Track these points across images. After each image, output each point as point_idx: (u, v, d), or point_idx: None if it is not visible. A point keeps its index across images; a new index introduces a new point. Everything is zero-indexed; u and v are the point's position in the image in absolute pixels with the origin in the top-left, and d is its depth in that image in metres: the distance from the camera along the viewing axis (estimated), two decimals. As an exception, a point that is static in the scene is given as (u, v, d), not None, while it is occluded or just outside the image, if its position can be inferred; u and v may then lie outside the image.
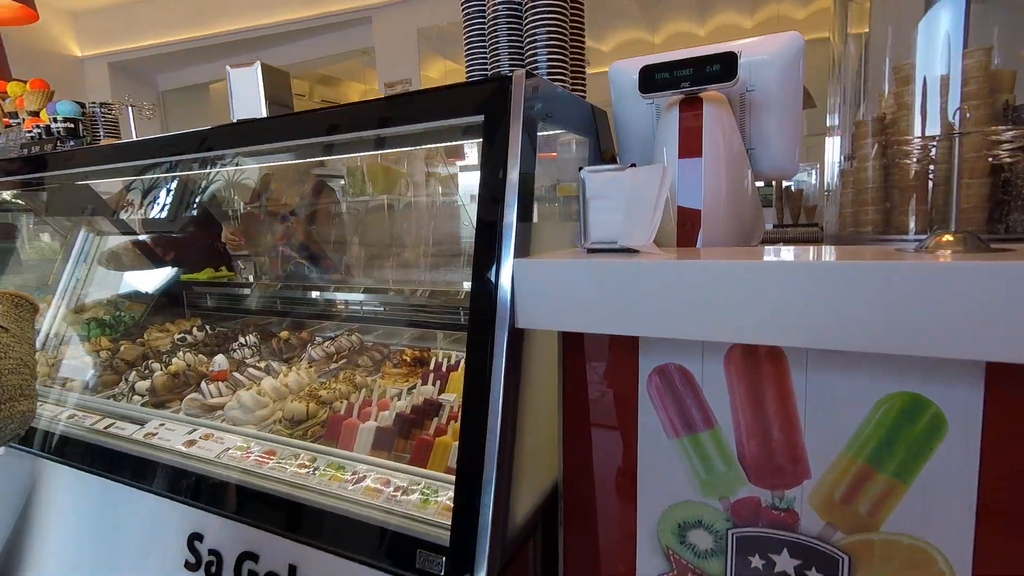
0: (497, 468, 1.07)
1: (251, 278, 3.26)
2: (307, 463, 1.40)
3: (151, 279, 3.37)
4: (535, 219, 1.18)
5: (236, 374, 1.94)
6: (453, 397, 1.94)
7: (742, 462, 1.10)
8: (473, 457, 1.08)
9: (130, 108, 2.17)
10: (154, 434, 1.62)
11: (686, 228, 1.27)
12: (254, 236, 3.48)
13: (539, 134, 1.47)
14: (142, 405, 1.91)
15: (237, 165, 2.46)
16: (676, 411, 1.15)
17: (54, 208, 3.35)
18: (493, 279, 1.08)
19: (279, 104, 1.59)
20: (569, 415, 1.25)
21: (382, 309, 2.74)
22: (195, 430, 1.61)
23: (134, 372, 2.06)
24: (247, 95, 1.55)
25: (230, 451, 1.48)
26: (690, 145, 1.31)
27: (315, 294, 2.88)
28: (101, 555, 1.52)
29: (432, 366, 2.05)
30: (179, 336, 2.59)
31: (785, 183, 4.26)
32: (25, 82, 2.60)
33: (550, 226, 1.31)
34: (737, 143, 1.35)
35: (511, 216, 1.09)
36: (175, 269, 3.30)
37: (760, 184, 1.53)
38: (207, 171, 2.58)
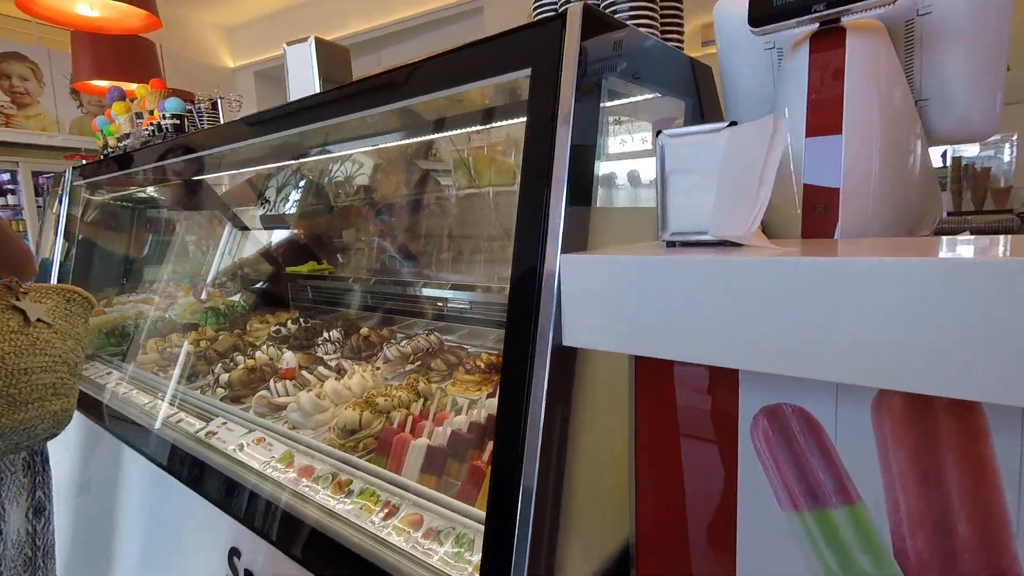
0: (534, 525, 0.81)
1: (349, 272, 3.28)
2: (344, 483, 1.23)
3: (262, 271, 3.53)
4: (596, 203, 0.89)
5: (304, 372, 1.86)
6: (527, 412, 1.71)
7: (902, 561, 0.74)
8: (503, 510, 0.83)
9: (219, 100, 2.19)
10: (214, 433, 1.57)
11: (816, 213, 0.91)
12: (353, 229, 3.50)
13: (623, 101, 1.17)
14: (221, 399, 1.91)
15: (326, 153, 2.41)
16: (794, 473, 0.81)
17: (182, 203, 3.63)
18: (532, 281, 0.82)
19: (335, 82, 1.45)
20: (643, 464, 0.95)
21: (467, 307, 2.58)
22: (250, 432, 1.53)
23: (220, 364, 2.07)
24: (302, 73, 1.43)
25: (274, 461, 1.36)
26: (826, 99, 0.94)
27: (404, 289, 2.80)
28: (151, 549, 1.50)
29: (508, 374, 1.83)
30: (274, 328, 2.63)
31: (965, 159, 3.43)
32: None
33: (624, 215, 1.01)
34: (901, 92, 0.96)
35: (558, 198, 0.82)
36: (283, 261, 3.42)
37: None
38: (296, 162, 2.57)
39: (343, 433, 1.50)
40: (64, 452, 2.12)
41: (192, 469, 1.45)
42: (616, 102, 1.06)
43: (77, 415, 1.56)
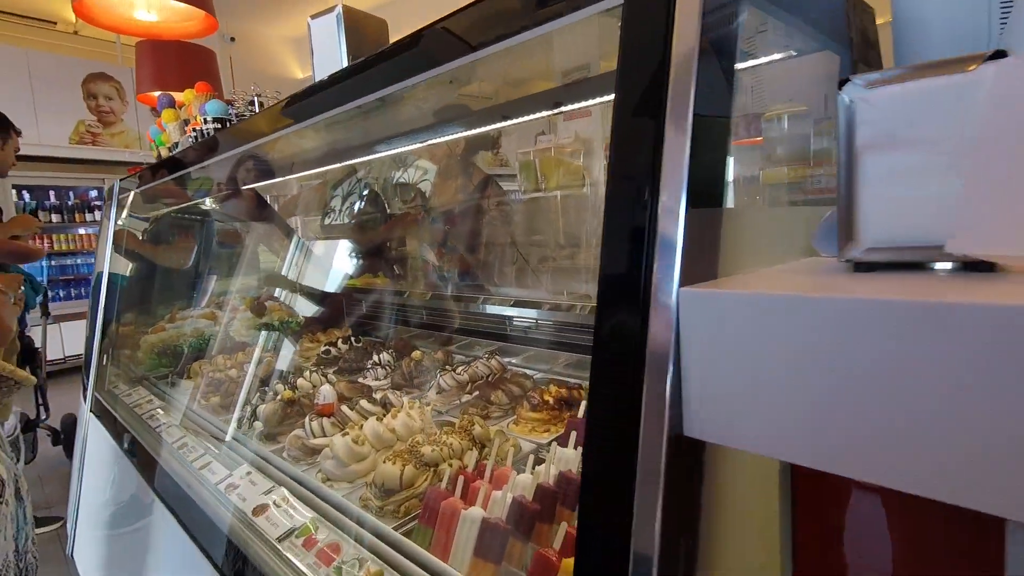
0: None
1: (405, 285, 3.06)
2: (371, 574, 0.95)
3: (318, 284, 3.38)
4: (728, 203, 0.56)
5: (345, 408, 1.61)
6: (606, 465, 1.38)
7: None
8: None
9: (256, 97, 2.01)
10: (236, 487, 1.34)
11: None
12: (409, 238, 3.29)
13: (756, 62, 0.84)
14: (257, 436, 1.69)
15: (374, 151, 2.19)
16: None
17: (242, 213, 3.54)
18: (633, 332, 0.50)
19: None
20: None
21: (533, 325, 2.28)
22: (272, 489, 1.29)
23: (259, 394, 1.87)
24: (329, 49, 1.18)
25: (295, 533, 1.11)
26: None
27: (462, 305, 2.54)
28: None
29: (581, 412, 1.50)
30: (323, 348, 2.43)
31: None
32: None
33: (771, 221, 0.67)
34: None
35: (674, 195, 0.49)
36: (339, 274, 3.25)
37: None
38: (346, 163, 2.36)
39: (381, 493, 1.23)
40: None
41: (208, 533, 1.23)
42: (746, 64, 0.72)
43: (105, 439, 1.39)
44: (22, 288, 1.55)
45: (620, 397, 0.50)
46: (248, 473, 1.38)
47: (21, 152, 6.09)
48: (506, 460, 1.25)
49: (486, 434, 1.42)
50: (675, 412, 0.48)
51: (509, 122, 1.47)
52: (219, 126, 2.14)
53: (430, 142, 1.86)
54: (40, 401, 3.80)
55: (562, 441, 1.44)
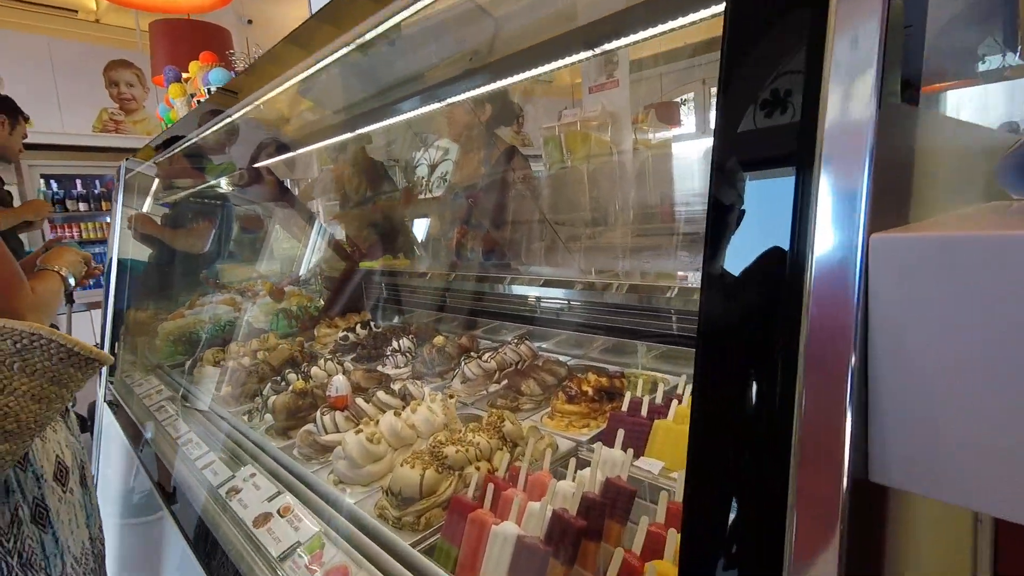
0: None
1: (426, 267, 2.88)
2: (386, 610, 0.79)
3: (336, 267, 3.24)
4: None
5: (360, 401, 1.45)
6: (659, 467, 1.19)
7: None
8: None
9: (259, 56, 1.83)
10: (237, 491, 1.19)
11: None
12: (430, 216, 3.11)
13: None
14: (267, 430, 1.55)
15: (390, 113, 2.00)
16: None
17: (258, 194, 3.41)
18: (777, 314, 0.30)
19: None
20: None
21: (564, 306, 2.08)
22: (277, 495, 1.13)
23: (270, 384, 1.73)
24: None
25: (298, 550, 0.95)
26: None
27: (488, 286, 2.35)
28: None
29: (626, 405, 1.31)
30: (341, 335, 2.28)
31: None
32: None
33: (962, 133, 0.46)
34: None
35: (862, 94, 0.28)
36: (357, 256, 3.09)
37: None
38: (357, 132, 2.18)
39: (399, 501, 1.06)
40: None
41: (203, 541, 1.08)
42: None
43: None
44: (91, 264, 1.49)
45: (754, 423, 0.31)
46: (252, 475, 1.23)
47: (46, 142, 6.09)
48: (542, 463, 1.07)
49: (518, 432, 1.24)
50: (858, 443, 0.28)
51: (547, 67, 1.26)
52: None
53: (448, 101, 1.66)
54: (65, 389, 3.75)
55: (607, 440, 1.25)
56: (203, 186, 3.55)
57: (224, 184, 3.54)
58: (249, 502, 1.13)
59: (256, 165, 3.01)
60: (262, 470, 1.25)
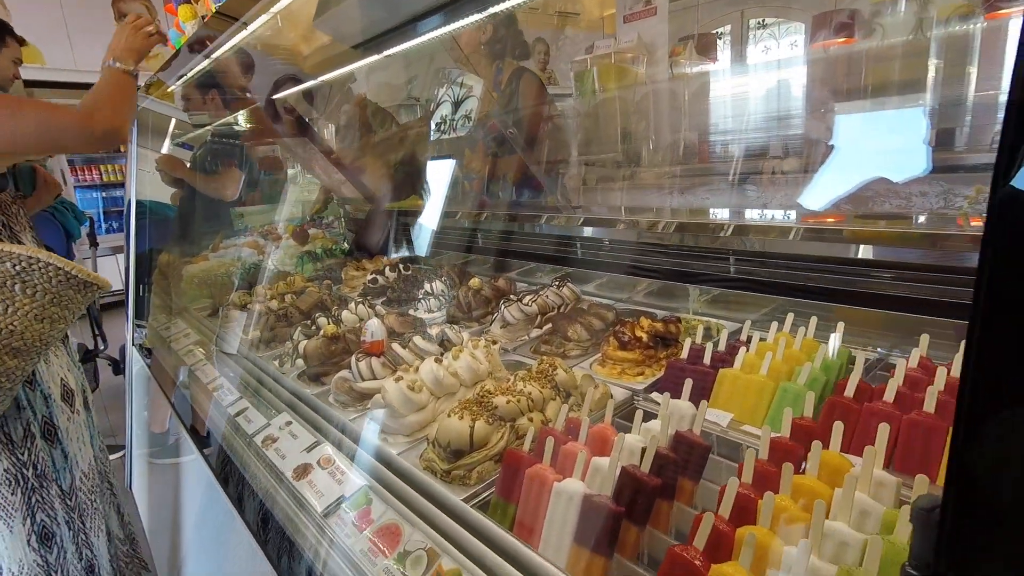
0: None
1: (456, 207, 2.75)
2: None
3: (363, 208, 3.12)
4: None
5: (396, 347, 1.36)
6: (727, 419, 1.08)
7: None
8: None
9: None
10: (273, 440, 1.12)
11: None
12: (460, 154, 2.95)
13: None
14: (299, 376, 1.48)
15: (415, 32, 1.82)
16: None
17: (278, 131, 3.26)
18: None
19: None
20: None
21: (605, 246, 1.94)
22: (316, 445, 1.06)
23: (300, 328, 1.65)
24: None
25: (343, 506, 0.87)
26: None
27: (519, 226, 2.21)
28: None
29: (687, 353, 1.20)
30: (370, 278, 2.19)
31: None
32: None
33: None
34: None
35: None
36: (383, 196, 2.96)
37: None
38: (376, 57, 2.01)
39: (447, 454, 0.98)
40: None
41: (240, 492, 1.02)
42: None
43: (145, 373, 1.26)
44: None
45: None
46: (288, 423, 1.16)
47: (59, 79, 5.92)
48: (604, 414, 0.97)
49: (571, 380, 1.14)
50: None
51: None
52: (236, 14, 1.81)
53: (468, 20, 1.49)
54: (96, 332, 3.78)
55: (665, 389, 1.15)
56: (220, 123, 3.41)
57: (243, 121, 3.40)
58: (287, 452, 1.06)
59: (275, 97, 2.86)
60: (298, 418, 1.19)
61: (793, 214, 1.48)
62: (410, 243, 2.79)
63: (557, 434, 0.93)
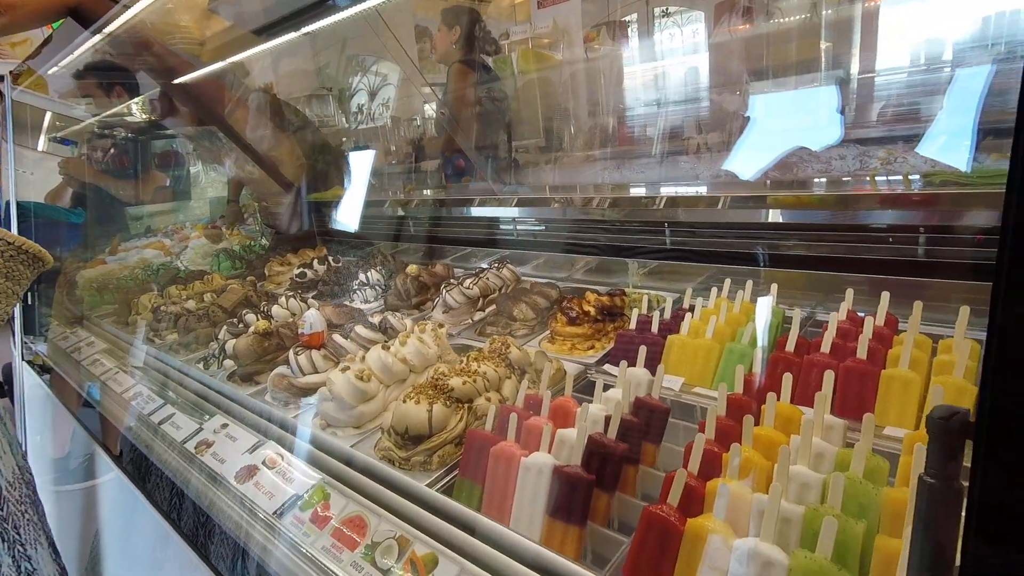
0: None
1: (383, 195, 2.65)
2: (421, 565, 0.67)
3: (283, 202, 2.94)
4: None
5: (338, 337, 1.29)
6: (679, 383, 1.11)
7: None
8: None
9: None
10: (209, 444, 1.03)
11: None
12: (382, 142, 2.85)
13: None
14: (228, 378, 1.37)
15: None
16: None
17: (183, 119, 3.00)
18: None
19: None
20: None
21: (543, 228, 1.95)
22: (259, 446, 0.98)
23: (226, 327, 1.53)
24: None
25: (298, 504, 0.81)
26: None
27: (451, 211, 2.17)
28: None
29: (634, 323, 1.22)
30: (297, 271, 2.07)
31: None
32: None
33: None
34: None
35: None
36: (304, 188, 2.80)
37: None
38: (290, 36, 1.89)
39: (405, 440, 0.93)
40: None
41: (174, 505, 0.93)
42: None
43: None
44: None
45: None
46: (224, 426, 1.06)
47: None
48: (564, 388, 0.97)
49: (525, 358, 1.13)
50: None
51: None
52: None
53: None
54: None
55: (616, 360, 1.16)
56: (109, 115, 3.09)
57: (137, 113, 3.10)
58: (226, 455, 0.97)
59: (176, 84, 2.62)
60: (234, 420, 1.09)
61: (719, 185, 1.54)
62: (336, 234, 2.67)
63: (519, 411, 0.92)
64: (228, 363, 1.45)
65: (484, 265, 1.92)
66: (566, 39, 3.28)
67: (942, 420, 0.30)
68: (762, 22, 2.15)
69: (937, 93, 1.49)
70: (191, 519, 0.94)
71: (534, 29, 3.24)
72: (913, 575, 0.33)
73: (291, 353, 1.24)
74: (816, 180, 1.32)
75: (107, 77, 2.63)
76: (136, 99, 2.88)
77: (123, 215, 3.58)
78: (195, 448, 1.02)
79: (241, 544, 0.80)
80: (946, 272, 1.16)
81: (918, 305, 0.98)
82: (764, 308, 1.16)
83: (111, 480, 1.46)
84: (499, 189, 2.12)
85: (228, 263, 2.54)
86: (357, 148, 3.29)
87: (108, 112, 2.99)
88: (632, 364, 1.03)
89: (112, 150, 3.22)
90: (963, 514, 0.30)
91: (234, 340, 1.43)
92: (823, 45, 1.80)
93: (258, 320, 1.46)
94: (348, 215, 2.57)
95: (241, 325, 1.54)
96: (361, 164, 2.88)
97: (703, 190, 1.51)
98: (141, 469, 1.10)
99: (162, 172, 4.01)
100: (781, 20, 2.07)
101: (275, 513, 0.81)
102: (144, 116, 3.14)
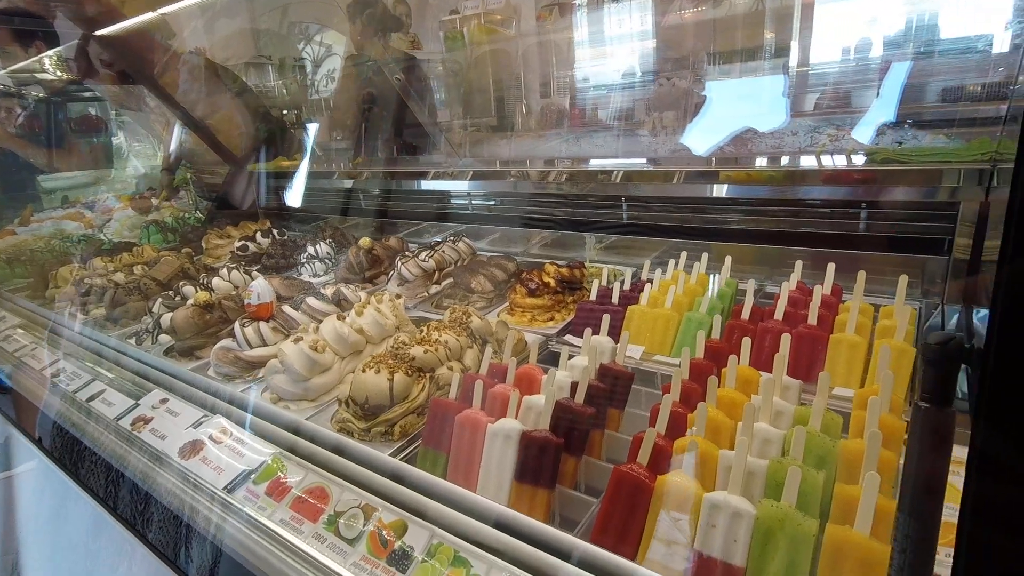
0: None
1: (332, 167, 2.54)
2: (389, 531, 0.65)
3: (219, 172, 2.77)
4: None
5: (288, 309, 1.23)
6: (639, 351, 1.12)
7: None
8: None
9: None
10: (147, 420, 0.96)
11: None
12: (335, 111, 2.73)
13: None
14: (165, 353, 1.28)
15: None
16: None
17: (113, 92, 2.77)
18: None
19: None
20: None
21: (497, 203, 1.92)
22: (204, 420, 0.92)
23: (160, 301, 1.43)
24: None
25: (252, 478, 0.77)
26: None
27: (401, 184, 2.10)
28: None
29: (595, 294, 1.22)
30: (239, 244, 1.96)
31: None
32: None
33: None
34: None
35: None
36: (245, 158, 2.64)
37: None
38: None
39: (365, 411, 0.90)
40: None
41: (113, 489, 0.86)
42: None
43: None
44: None
45: None
46: (164, 401, 0.99)
47: None
48: (528, 357, 0.96)
49: (487, 327, 1.11)
50: None
51: None
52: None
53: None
54: None
55: (577, 331, 1.16)
56: (16, 69, 2.80)
57: (53, 69, 2.82)
58: (168, 431, 0.90)
59: (92, 43, 2.40)
60: (174, 396, 1.02)
61: (672, 161, 1.56)
62: (280, 207, 2.54)
63: (484, 378, 0.90)
64: (164, 337, 1.36)
65: (438, 239, 1.89)
66: (518, 16, 3.25)
67: (939, 345, 0.30)
68: (711, 7, 2.19)
69: (874, 80, 1.56)
70: (129, 501, 0.87)
71: (486, 4, 3.19)
72: (906, 500, 0.34)
73: (237, 325, 1.17)
74: (766, 157, 1.35)
75: (17, 24, 2.37)
76: (51, 52, 2.62)
77: (35, 184, 3.28)
78: (131, 425, 0.95)
79: (185, 520, 0.75)
80: (884, 244, 1.23)
81: (862, 275, 1.03)
82: (719, 280, 1.19)
83: (34, 467, 1.35)
84: (453, 163, 2.08)
85: (159, 235, 2.37)
86: (301, 119, 3.14)
87: (17, 67, 2.71)
88: (596, 333, 1.03)
89: (23, 111, 2.94)
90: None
91: (171, 313, 1.33)
92: (767, 35, 1.86)
93: (198, 292, 1.37)
94: (293, 187, 2.45)
95: (178, 298, 1.44)
96: (306, 135, 2.75)
97: (648, 164, 1.52)
98: (68, 451, 1.01)
99: (81, 138, 3.71)
100: (732, 4, 2.12)
101: (226, 488, 0.76)
102: (60, 74, 2.87)
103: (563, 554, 0.60)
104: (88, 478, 0.98)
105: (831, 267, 1.10)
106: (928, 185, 1.12)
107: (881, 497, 0.57)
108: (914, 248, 1.19)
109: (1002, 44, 1.21)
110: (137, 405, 1.00)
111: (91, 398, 1.06)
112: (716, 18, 2.17)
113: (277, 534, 0.69)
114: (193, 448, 0.86)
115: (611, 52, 2.57)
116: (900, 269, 1.11)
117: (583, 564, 0.60)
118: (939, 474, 0.32)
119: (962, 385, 0.36)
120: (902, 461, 0.73)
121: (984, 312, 1.12)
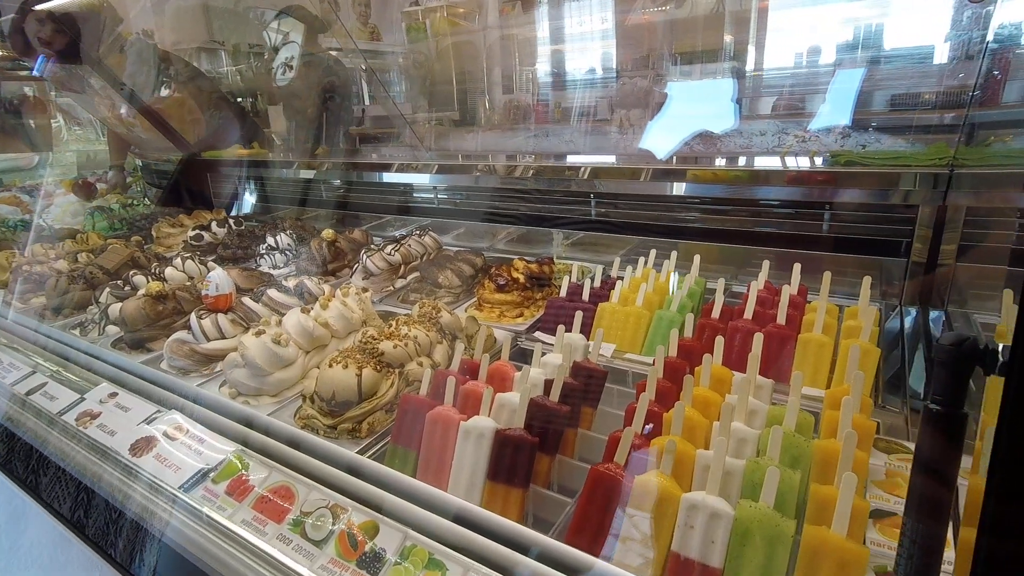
0: None
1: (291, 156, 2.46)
2: (361, 532, 0.62)
3: (172, 158, 2.63)
4: None
5: (248, 301, 1.17)
6: (611, 349, 1.12)
7: None
8: None
9: None
10: (94, 415, 0.90)
11: None
12: (293, 97, 2.63)
13: None
14: (113, 346, 1.21)
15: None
16: None
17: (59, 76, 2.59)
18: None
19: None
20: None
21: (462, 197, 1.89)
22: (157, 415, 0.86)
23: (108, 290, 1.34)
24: None
25: (210, 477, 0.72)
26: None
27: (364, 176, 2.04)
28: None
29: (566, 289, 1.21)
30: (193, 233, 1.86)
31: None
32: None
33: None
34: None
35: None
36: (199, 145, 2.52)
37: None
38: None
39: (331, 407, 0.87)
40: None
41: (55, 489, 0.80)
42: None
43: None
44: None
45: None
46: (112, 395, 0.93)
47: None
48: (499, 352, 0.94)
49: (456, 322, 1.09)
50: None
51: None
52: None
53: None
54: None
55: (546, 328, 1.15)
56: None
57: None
58: (117, 427, 0.84)
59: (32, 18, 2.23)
60: (124, 390, 0.96)
61: (637, 159, 1.56)
62: (235, 197, 2.44)
63: (457, 375, 0.88)
64: (112, 329, 1.28)
65: (404, 233, 1.84)
66: (481, 9, 3.21)
67: (953, 347, 0.30)
68: (674, 7, 2.21)
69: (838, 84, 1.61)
70: (72, 501, 0.81)
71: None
72: (913, 505, 0.34)
73: (194, 317, 1.11)
74: (733, 157, 1.37)
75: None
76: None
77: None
78: (76, 420, 0.88)
79: (132, 518, 0.70)
80: (846, 245, 1.26)
81: (827, 276, 1.06)
82: (689, 278, 1.20)
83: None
84: (419, 156, 2.04)
85: (105, 223, 2.25)
86: (257, 107, 3.03)
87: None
88: (568, 330, 1.02)
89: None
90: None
91: (120, 304, 1.26)
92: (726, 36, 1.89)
93: (150, 282, 1.29)
94: (250, 177, 2.36)
95: (128, 288, 1.36)
96: (265, 123, 2.65)
97: (617, 161, 1.53)
98: (7, 448, 0.93)
99: (17, 119, 3.49)
100: (694, 5, 2.14)
101: (182, 487, 0.71)
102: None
103: (543, 557, 0.59)
104: (23, 475, 0.91)
105: (797, 267, 1.12)
106: (889, 187, 1.15)
107: (856, 497, 0.57)
108: (874, 250, 1.23)
109: (961, 53, 1.26)
110: (83, 399, 0.93)
111: (31, 391, 0.98)
112: (674, 19, 2.19)
113: (238, 535, 0.65)
114: (147, 445, 0.81)
115: (573, 48, 2.56)
116: (861, 270, 1.14)
117: (560, 566, 0.59)
118: (949, 478, 0.32)
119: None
120: (872, 461, 0.75)
121: (938, 314, 1.16)
